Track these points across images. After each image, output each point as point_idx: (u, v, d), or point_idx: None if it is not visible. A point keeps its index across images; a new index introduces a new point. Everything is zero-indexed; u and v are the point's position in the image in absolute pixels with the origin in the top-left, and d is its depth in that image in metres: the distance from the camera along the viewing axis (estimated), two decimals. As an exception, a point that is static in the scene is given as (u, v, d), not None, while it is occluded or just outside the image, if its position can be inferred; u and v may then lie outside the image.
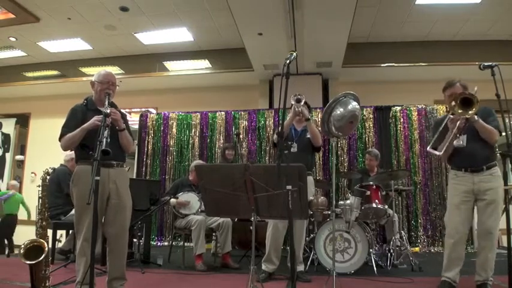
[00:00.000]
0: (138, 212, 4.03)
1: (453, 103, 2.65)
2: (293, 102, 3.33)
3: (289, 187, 2.05)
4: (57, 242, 4.43)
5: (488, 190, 2.72)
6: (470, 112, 2.58)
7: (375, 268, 3.62)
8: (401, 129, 6.00)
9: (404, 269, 3.85)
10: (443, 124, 2.76)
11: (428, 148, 2.90)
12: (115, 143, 2.47)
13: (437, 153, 2.76)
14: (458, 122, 2.66)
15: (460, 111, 2.61)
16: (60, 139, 2.50)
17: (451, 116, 2.71)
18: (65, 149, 2.55)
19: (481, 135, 2.74)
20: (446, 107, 5.49)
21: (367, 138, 6.07)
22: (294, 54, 2.36)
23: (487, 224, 2.72)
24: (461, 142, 2.70)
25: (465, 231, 2.81)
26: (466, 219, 2.81)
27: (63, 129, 2.50)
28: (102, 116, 2.33)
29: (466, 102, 2.61)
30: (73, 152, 2.62)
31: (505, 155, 2.63)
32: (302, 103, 3.33)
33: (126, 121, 2.66)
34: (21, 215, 6.80)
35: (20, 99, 8.46)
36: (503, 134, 2.61)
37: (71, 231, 4.46)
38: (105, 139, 2.18)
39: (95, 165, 2.10)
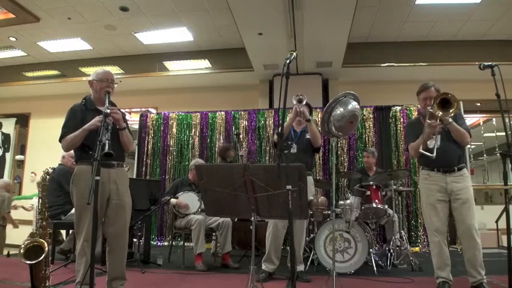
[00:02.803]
0: (138, 212, 4.03)
1: (432, 104, 2.70)
2: (295, 102, 3.32)
3: (289, 187, 2.05)
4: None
5: (460, 190, 2.80)
6: (451, 111, 2.63)
7: (374, 268, 3.62)
8: (402, 129, 5.99)
9: (404, 269, 3.85)
10: (426, 123, 2.80)
11: (420, 150, 2.93)
12: (115, 143, 2.46)
13: (429, 155, 2.74)
14: (436, 128, 2.70)
15: (440, 112, 2.65)
16: (60, 140, 2.48)
17: (429, 121, 2.73)
18: (66, 150, 2.53)
19: (454, 137, 2.81)
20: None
21: (367, 138, 6.07)
22: (294, 54, 2.36)
23: (466, 223, 2.76)
24: (435, 142, 2.73)
25: (445, 230, 2.88)
26: (444, 217, 2.86)
27: (63, 130, 2.48)
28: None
29: (445, 103, 2.66)
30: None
31: (505, 155, 2.63)
32: (304, 103, 3.32)
33: (125, 120, 2.66)
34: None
35: (20, 99, 8.46)
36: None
37: (71, 231, 4.45)
38: (107, 142, 2.18)
39: (95, 165, 2.09)
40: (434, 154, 2.69)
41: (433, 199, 2.87)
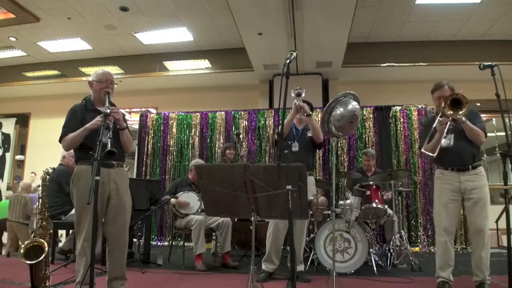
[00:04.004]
0: (138, 212, 4.02)
1: (443, 104, 2.69)
2: (293, 96, 3.28)
3: (289, 187, 2.05)
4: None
5: (474, 189, 2.78)
6: (460, 112, 2.63)
7: (374, 268, 3.62)
8: (401, 129, 6.00)
9: (404, 268, 3.85)
10: (433, 126, 2.79)
11: (422, 149, 2.91)
12: (115, 143, 2.46)
13: (431, 154, 2.76)
14: (447, 125, 2.69)
15: (450, 112, 2.65)
16: (60, 140, 2.48)
17: (440, 119, 2.73)
18: (66, 149, 2.53)
19: (468, 137, 2.79)
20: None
21: (367, 138, 6.07)
22: (294, 54, 2.36)
23: (477, 222, 2.76)
24: (448, 141, 2.73)
25: (453, 230, 2.87)
26: (454, 218, 2.86)
27: (63, 130, 2.48)
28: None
29: (456, 103, 2.65)
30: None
31: (505, 155, 2.63)
32: (303, 95, 3.26)
33: (125, 120, 2.66)
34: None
35: (20, 99, 8.47)
36: (498, 134, 2.64)
37: (71, 231, 4.45)
38: (109, 140, 2.18)
39: (95, 165, 2.09)
40: (452, 142, 2.68)
41: (445, 198, 2.85)
